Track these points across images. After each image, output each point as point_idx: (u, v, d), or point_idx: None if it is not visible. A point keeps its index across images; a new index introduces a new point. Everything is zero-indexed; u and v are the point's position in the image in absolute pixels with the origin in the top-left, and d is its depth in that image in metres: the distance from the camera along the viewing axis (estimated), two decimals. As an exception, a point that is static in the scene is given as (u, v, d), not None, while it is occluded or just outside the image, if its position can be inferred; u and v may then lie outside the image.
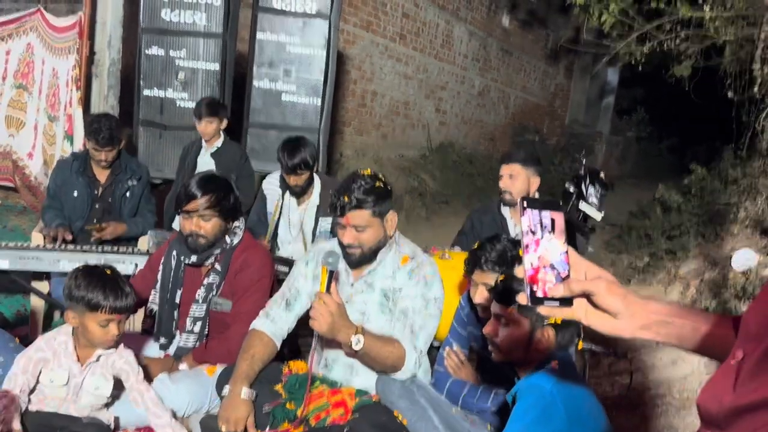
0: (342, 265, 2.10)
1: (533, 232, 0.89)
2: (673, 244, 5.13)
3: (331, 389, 2.04)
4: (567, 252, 0.89)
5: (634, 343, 3.77)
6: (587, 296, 0.87)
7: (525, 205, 0.90)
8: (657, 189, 6.16)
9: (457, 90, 9.63)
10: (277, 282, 2.44)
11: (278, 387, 2.06)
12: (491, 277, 1.97)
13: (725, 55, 5.97)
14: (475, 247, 2.10)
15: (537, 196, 3.06)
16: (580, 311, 0.88)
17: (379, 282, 2.06)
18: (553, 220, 0.90)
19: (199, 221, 2.24)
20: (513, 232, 3.04)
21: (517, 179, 2.94)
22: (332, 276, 1.80)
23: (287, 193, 3.34)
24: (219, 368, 2.21)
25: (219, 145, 3.80)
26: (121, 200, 3.41)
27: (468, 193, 8.50)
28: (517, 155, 2.99)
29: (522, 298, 0.89)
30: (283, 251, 3.37)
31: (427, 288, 2.02)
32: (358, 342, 1.84)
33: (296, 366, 2.18)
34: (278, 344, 2.13)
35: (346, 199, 1.93)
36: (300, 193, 3.23)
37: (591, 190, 5.43)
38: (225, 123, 3.82)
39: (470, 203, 8.22)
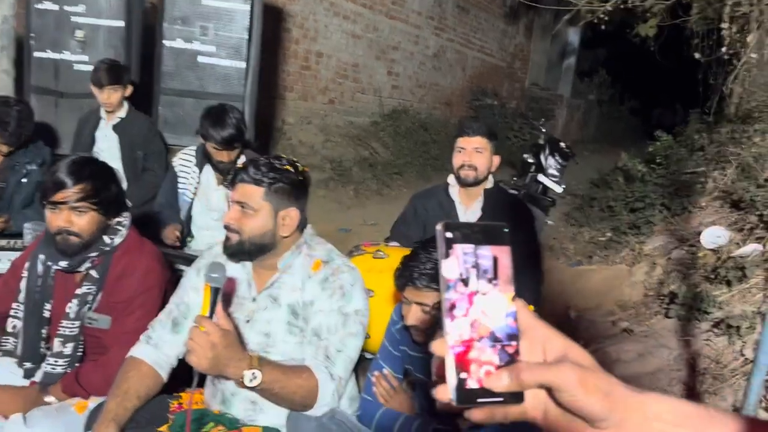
0: (244, 274, 1.80)
1: (463, 282, 0.62)
2: (637, 218, 4.95)
3: (230, 430, 1.68)
4: (515, 313, 0.63)
5: (596, 331, 3.57)
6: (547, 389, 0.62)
7: (449, 235, 0.63)
8: (620, 157, 5.98)
9: (410, 51, 9.32)
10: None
11: (163, 429, 1.70)
12: (428, 296, 1.65)
13: (692, 14, 5.76)
14: (407, 256, 1.78)
15: (472, 216, 2.76)
16: (537, 412, 0.64)
17: (286, 295, 1.77)
18: (495, 260, 0.64)
19: (70, 216, 1.89)
20: (465, 219, 2.75)
21: (484, 153, 2.72)
22: (217, 294, 1.51)
23: (206, 171, 3.07)
24: (92, 404, 1.86)
25: (122, 116, 3.44)
26: (15, 187, 2.96)
27: (422, 163, 8.26)
28: (481, 128, 2.77)
29: (442, 393, 0.61)
30: (200, 240, 3.11)
31: (345, 300, 1.75)
32: (253, 378, 1.55)
33: (191, 399, 1.82)
34: (163, 375, 1.81)
35: (242, 169, 1.71)
36: (228, 171, 2.95)
37: (551, 161, 5.24)
38: (129, 90, 3.40)
39: (425, 173, 7.95)
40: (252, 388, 1.57)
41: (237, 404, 1.75)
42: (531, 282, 2.67)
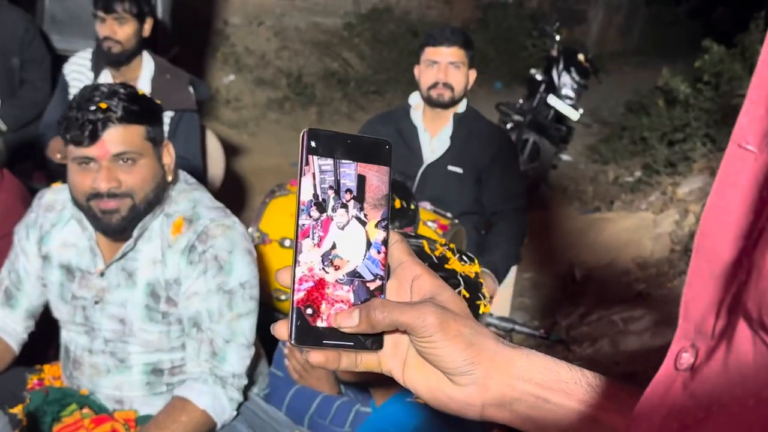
0: (84, 239, 1.77)
1: (318, 205, 0.67)
2: (675, 154, 4.98)
3: (96, 415, 1.73)
4: (382, 245, 0.68)
5: (605, 294, 3.64)
6: (408, 335, 0.66)
7: (312, 144, 0.67)
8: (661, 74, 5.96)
9: (397, -72, 9.05)
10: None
11: (17, 409, 1.75)
12: None
13: None
14: None
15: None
16: (396, 362, 0.69)
17: (144, 270, 1.75)
18: (361, 180, 0.68)
19: None
20: (430, 149, 2.78)
21: (461, 69, 2.75)
22: None
23: (103, 76, 3.07)
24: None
25: (-10, 12, 3.32)
26: None
27: (409, 79, 8.15)
28: (458, 35, 2.79)
29: (279, 329, 0.67)
30: None
31: (225, 274, 1.72)
32: None
33: (56, 372, 1.91)
34: (13, 345, 1.85)
35: (91, 112, 1.60)
36: (117, 60, 2.98)
37: (565, 78, 5.21)
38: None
39: (405, 92, 7.89)
40: None
41: (100, 402, 1.80)
42: (507, 236, 2.71)
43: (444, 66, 2.72)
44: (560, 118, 5.46)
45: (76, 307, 1.75)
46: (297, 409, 1.82)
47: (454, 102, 2.76)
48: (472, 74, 2.80)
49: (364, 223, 0.68)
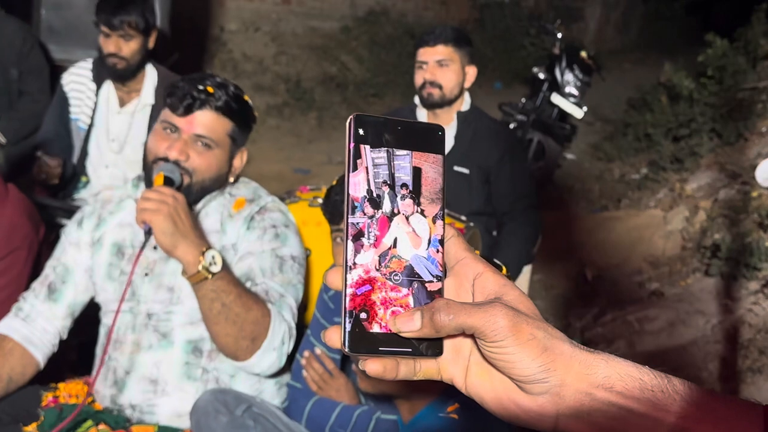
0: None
1: (373, 201, 0.63)
2: (681, 149, 4.97)
3: (114, 430, 1.70)
4: (441, 241, 0.65)
5: (618, 294, 3.63)
6: (473, 338, 0.62)
7: (361, 132, 0.63)
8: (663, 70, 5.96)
9: (391, -70, 9.06)
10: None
11: (31, 427, 1.74)
12: None
13: None
14: (337, 183, 1.88)
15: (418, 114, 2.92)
16: (457, 369, 0.65)
17: None
18: (417, 172, 0.65)
19: None
20: None
21: (451, 66, 2.79)
22: (171, 184, 1.70)
23: (105, 88, 3.08)
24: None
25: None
26: None
27: (408, 82, 8.14)
28: (445, 33, 2.82)
29: (331, 336, 0.64)
30: (96, 182, 3.11)
31: (281, 242, 1.84)
32: (213, 262, 1.62)
33: (71, 390, 1.88)
34: (38, 356, 1.84)
35: (197, 90, 1.75)
36: (122, 75, 3.00)
37: (569, 76, 5.21)
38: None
39: (411, 95, 7.88)
40: (203, 280, 1.61)
41: (132, 385, 1.78)
42: (519, 235, 2.70)
43: (431, 66, 2.76)
44: (564, 116, 5.44)
45: (123, 284, 1.77)
46: (317, 420, 1.81)
47: (445, 101, 2.79)
48: (471, 70, 2.82)
49: (422, 220, 0.65)
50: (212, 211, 1.86)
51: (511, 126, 5.18)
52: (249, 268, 1.78)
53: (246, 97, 1.86)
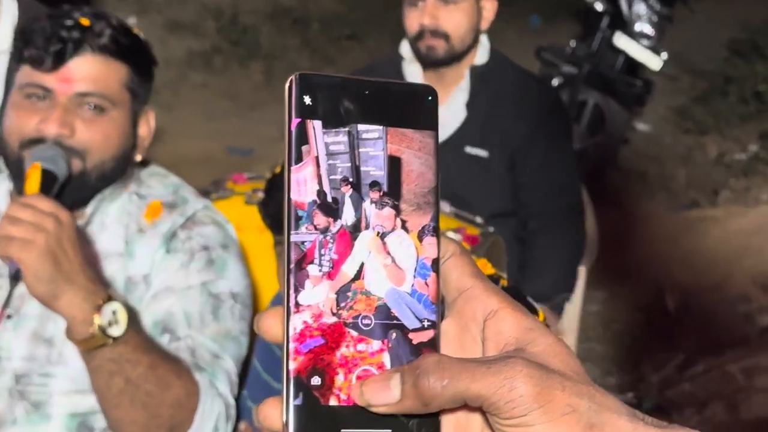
0: None
1: (329, 209, 0.64)
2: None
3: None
4: (433, 266, 0.65)
5: (713, 331, 3.66)
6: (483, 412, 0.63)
7: (302, 102, 0.61)
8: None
9: None
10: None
11: None
12: None
13: None
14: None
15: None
16: None
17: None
18: (395, 163, 0.65)
19: None
20: None
21: (460, 4, 2.82)
22: (53, 185, 1.69)
23: None
24: None
25: None
26: None
27: (396, 18, 8.24)
28: None
29: (268, 414, 0.63)
30: None
31: (215, 272, 1.89)
32: (114, 320, 1.62)
33: None
34: None
35: (65, 27, 1.75)
36: None
37: (640, 6, 5.26)
38: None
39: (399, 36, 7.95)
40: (99, 347, 1.61)
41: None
42: (556, 250, 2.75)
43: (432, 3, 2.79)
44: (633, 67, 5.50)
45: None
46: None
47: (454, 55, 2.83)
48: (489, 5, 2.87)
49: (403, 237, 0.65)
50: (111, 220, 1.88)
51: (554, 82, 5.23)
52: (167, 314, 1.81)
53: (137, 30, 1.88)
